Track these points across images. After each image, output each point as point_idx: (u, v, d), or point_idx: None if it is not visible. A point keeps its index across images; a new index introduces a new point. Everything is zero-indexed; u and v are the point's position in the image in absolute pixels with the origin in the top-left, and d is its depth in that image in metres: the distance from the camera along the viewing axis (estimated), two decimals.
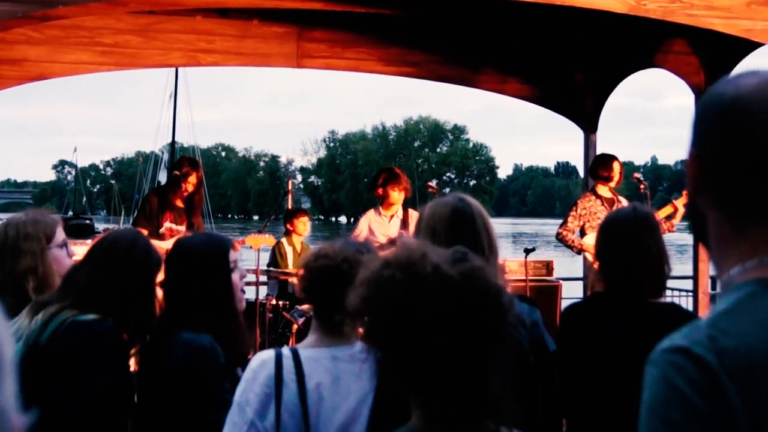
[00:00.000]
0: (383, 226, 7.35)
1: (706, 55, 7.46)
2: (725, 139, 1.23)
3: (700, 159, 1.26)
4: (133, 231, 3.75)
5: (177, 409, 2.82)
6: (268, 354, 2.55)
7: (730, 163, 1.22)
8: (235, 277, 3.05)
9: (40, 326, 2.76)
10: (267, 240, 8.00)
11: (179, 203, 7.26)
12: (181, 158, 7.81)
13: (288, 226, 8.94)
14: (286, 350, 2.55)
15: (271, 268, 8.54)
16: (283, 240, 8.91)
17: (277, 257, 8.77)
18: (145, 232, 6.99)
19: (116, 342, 2.84)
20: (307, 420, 2.44)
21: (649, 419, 1.12)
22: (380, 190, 7.44)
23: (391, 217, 7.41)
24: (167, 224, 7.13)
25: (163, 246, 6.78)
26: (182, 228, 7.15)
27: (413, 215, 7.22)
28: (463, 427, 1.57)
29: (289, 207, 9.38)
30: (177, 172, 7.25)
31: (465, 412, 1.57)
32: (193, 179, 7.24)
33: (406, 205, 7.50)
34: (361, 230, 7.41)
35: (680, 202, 7.47)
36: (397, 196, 7.37)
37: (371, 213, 7.57)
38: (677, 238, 11.07)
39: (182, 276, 2.96)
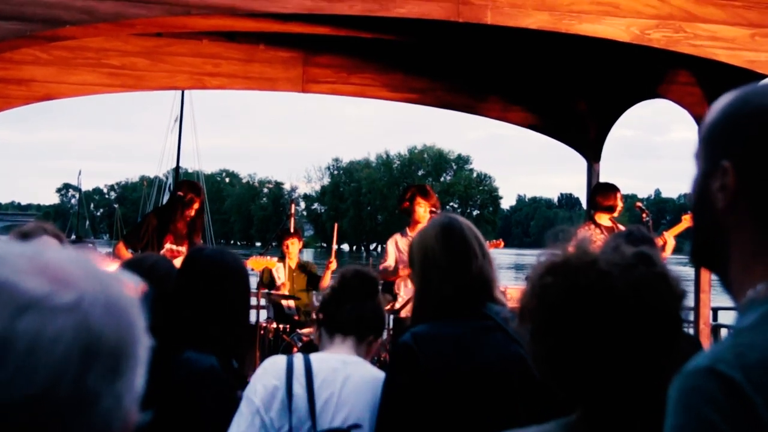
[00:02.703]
0: None
1: (710, 86, 7.48)
2: (761, 150, 1.20)
3: (739, 169, 1.23)
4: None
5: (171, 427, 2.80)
6: (280, 357, 2.66)
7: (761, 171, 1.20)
8: None
9: None
10: (269, 263, 7.99)
11: (181, 226, 7.23)
12: (183, 182, 7.78)
13: (283, 247, 8.94)
14: (297, 355, 2.65)
15: (272, 292, 8.52)
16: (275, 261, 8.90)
17: (274, 277, 8.73)
18: (126, 252, 7.01)
19: (222, 379, 2.76)
20: (314, 416, 2.48)
21: None
22: (406, 203, 7.37)
23: None
24: (168, 245, 7.10)
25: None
26: (183, 249, 7.12)
27: None
28: (622, 429, 1.52)
29: (292, 230, 9.37)
30: (181, 194, 7.24)
31: (626, 413, 1.51)
32: (196, 205, 7.23)
33: None
34: (389, 255, 7.32)
35: (670, 234, 7.40)
36: (422, 212, 7.24)
37: (397, 236, 7.48)
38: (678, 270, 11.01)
39: (197, 287, 2.82)
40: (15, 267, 0.86)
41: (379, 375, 2.64)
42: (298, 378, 2.53)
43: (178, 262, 6.96)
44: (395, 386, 2.49)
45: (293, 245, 8.89)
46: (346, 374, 2.58)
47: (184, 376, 2.69)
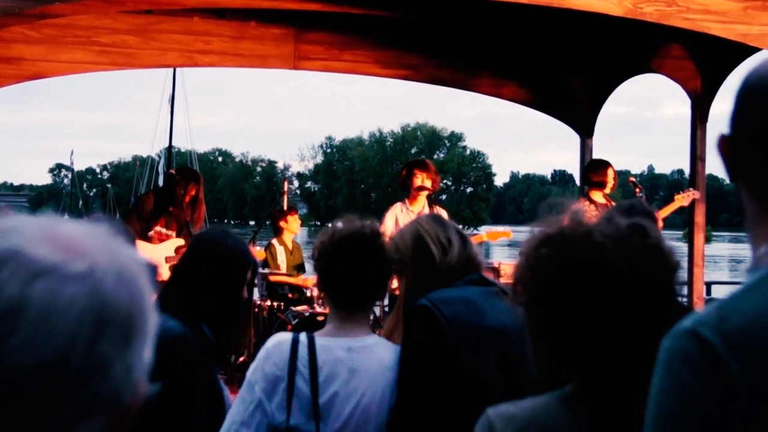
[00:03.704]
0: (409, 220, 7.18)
1: (703, 60, 7.47)
2: (744, 118, 1.25)
3: (729, 141, 1.27)
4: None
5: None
6: (285, 337, 2.56)
7: (748, 141, 1.24)
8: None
9: None
10: (257, 253, 7.97)
11: (175, 211, 7.16)
12: (182, 169, 7.68)
13: (281, 223, 8.91)
14: (303, 336, 2.55)
15: (266, 270, 8.52)
16: (274, 241, 8.89)
17: (268, 258, 8.74)
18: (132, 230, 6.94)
19: (193, 349, 2.74)
20: (317, 408, 2.44)
21: (651, 405, 1.12)
22: (404, 171, 7.35)
23: (419, 213, 7.26)
24: (157, 228, 7.06)
25: (150, 250, 6.75)
26: (172, 233, 7.10)
27: (442, 214, 7.13)
28: (617, 401, 1.51)
29: (285, 209, 9.36)
30: (178, 177, 7.18)
31: (621, 386, 1.50)
32: (193, 192, 7.18)
33: (434, 202, 7.33)
34: (387, 227, 7.22)
35: (659, 215, 7.36)
36: (419, 182, 7.19)
37: (397, 206, 7.36)
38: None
39: (207, 265, 2.83)
40: (27, 236, 0.87)
41: (387, 361, 2.56)
42: (301, 370, 2.46)
43: (167, 245, 7.00)
44: (417, 347, 2.46)
45: (294, 221, 8.92)
46: (352, 366, 2.50)
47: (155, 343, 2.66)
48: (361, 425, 2.48)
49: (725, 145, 1.28)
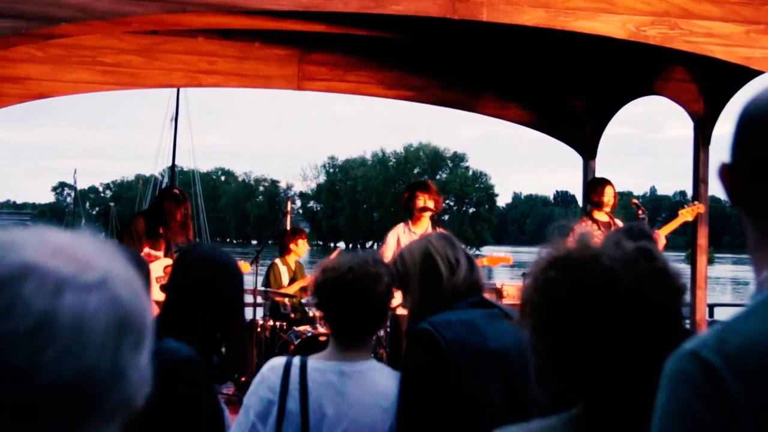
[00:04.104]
0: None
1: (706, 82, 7.50)
2: (744, 146, 1.27)
3: (729, 168, 1.30)
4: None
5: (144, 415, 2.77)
6: (279, 361, 2.60)
7: (748, 168, 1.26)
8: None
9: None
10: (242, 267, 7.99)
11: (163, 231, 7.20)
12: (166, 193, 7.56)
13: (291, 245, 8.88)
14: (296, 360, 2.59)
15: (269, 289, 8.52)
16: (277, 261, 8.89)
17: (270, 278, 8.74)
18: None
19: (198, 370, 2.70)
20: (307, 431, 2.45)
21: (655, 426, 1.14)
22: (406, 194, 7.33)
23: (421, 235, 7.19)
24: (146, 250, 7.06)
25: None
26: (160, 254, 7.12)
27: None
28: (624, 423, 1.51)
29: (288, 228, 9.36)
30: (167, 199, 7.17)
31: (629, 409, 1.50)
32: (182, 211, 7.21)
33: (437, 223, 7.31)
34: (388, 247, 7.15)
35: (662, 232, 7.34)
36: (421, 203, 7.16)
37: (400, 227, 7.34)
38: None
39: (192, 278, 2.79)
40: (35, 249, 0.86)
41: (382, 386, 2.56)
42: (292, 393, 2.49)
43: (156, 266, 7.04)
44: (418, 369, 2.46)
45: (303, 245, 8.93)
46: (343, 391, 2.52)
47: (159, 364, 2.63)
48: None
49: (726, 172, 1.30)
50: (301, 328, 7.94)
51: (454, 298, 2.60)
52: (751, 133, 1.26)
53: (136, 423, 0.94)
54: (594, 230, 7.41)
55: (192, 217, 7.32)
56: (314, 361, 2.58)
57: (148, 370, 0.94)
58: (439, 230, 7.12)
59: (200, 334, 2.75)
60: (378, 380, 2.58)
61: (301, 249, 8.92)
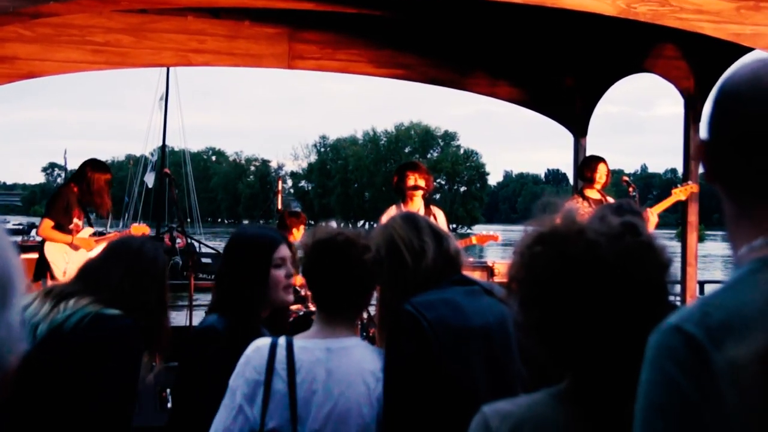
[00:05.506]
0: None
1: (696, 59, 7.50)
2: (721, 122, 1.30)
3: (705, 145, 1.32)
4: (140, 237, 4.04)
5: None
6: (264, 342, 2.57)
7: (726, 145, 1.28)
8: (278, 273, 3.07)
9: (68, 314, 2.87)
10: (142, 228, 8.25)
11: (86, 201, 7.55)
12: (88, 162, 7.78)
13: (294, 229, 8.70)
14: (281, 340, 2.56)
15: None
16: None
17: None
18: (51, 223, 7.26)
19: (137, 338, 2.97)
20: (295, 410, 2.45)
21: (640, 399, 1.17)
22: (396, 176, 7.33)
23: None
24: (76, 220, 7.43)
25: (70, 241, 7.28)
26: (80, 223, 7.50)
27: (438, 214, 7.14)
28: (611, 396, 1.53)
29: (279, 207, 9.32)
30: (88, 173, 7.45)
31: (615, 382, 1.51)
32: (101, 182, 7.48)
33: (429, 202, 7.31)
34: None
35: (654, 211, 7.36)
36: (412, 182, 7.16)
37: (393, 209, 7.23)
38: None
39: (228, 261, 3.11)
40: None
41: (366, 363, 2.56)
42: (279, 372, 2.47)
43: (81, 235, 7.44)
44: (404, 355, 2.45)
45: (301, 231, 8.90)
46: (330, 367, 2.50)
47: (100, 330, 2.90)
48: (340, 426, 2.48)
49: (703, 149, 1.33)
50: (293, 306, 7.95)
51: (427, 281, 2.58)
52: (727, 109, 1.29)
53: (10, 382, 0.96)
54: (585, 207, 7.44)
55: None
56: (300, 341, 2.57)
57: (18, 329, 0.95)
58: (432, 209, 7.16)
59: (138, 308, 3.02)
60: (363, 357, 2.57)
61: (298, 234, 8.88)
